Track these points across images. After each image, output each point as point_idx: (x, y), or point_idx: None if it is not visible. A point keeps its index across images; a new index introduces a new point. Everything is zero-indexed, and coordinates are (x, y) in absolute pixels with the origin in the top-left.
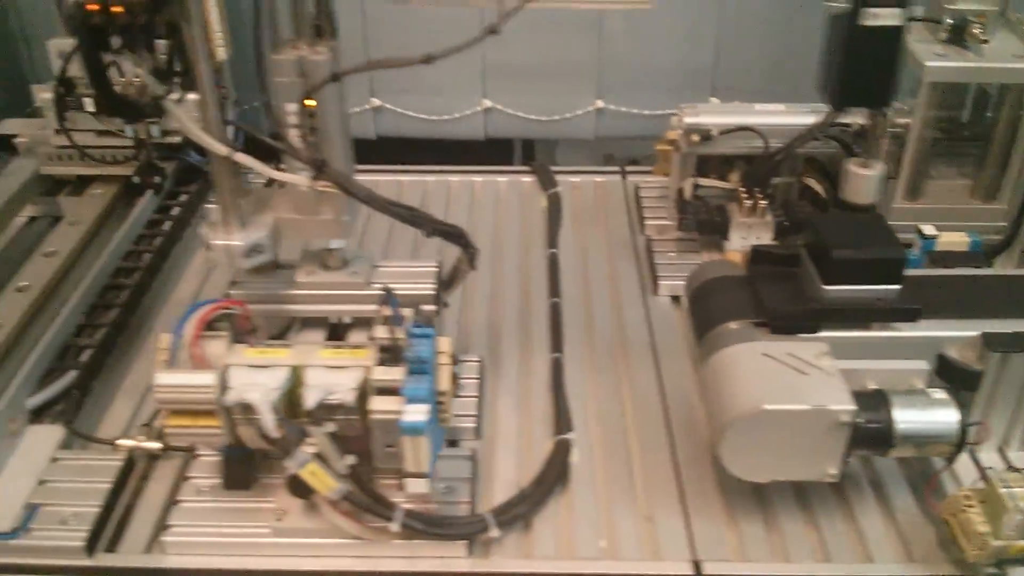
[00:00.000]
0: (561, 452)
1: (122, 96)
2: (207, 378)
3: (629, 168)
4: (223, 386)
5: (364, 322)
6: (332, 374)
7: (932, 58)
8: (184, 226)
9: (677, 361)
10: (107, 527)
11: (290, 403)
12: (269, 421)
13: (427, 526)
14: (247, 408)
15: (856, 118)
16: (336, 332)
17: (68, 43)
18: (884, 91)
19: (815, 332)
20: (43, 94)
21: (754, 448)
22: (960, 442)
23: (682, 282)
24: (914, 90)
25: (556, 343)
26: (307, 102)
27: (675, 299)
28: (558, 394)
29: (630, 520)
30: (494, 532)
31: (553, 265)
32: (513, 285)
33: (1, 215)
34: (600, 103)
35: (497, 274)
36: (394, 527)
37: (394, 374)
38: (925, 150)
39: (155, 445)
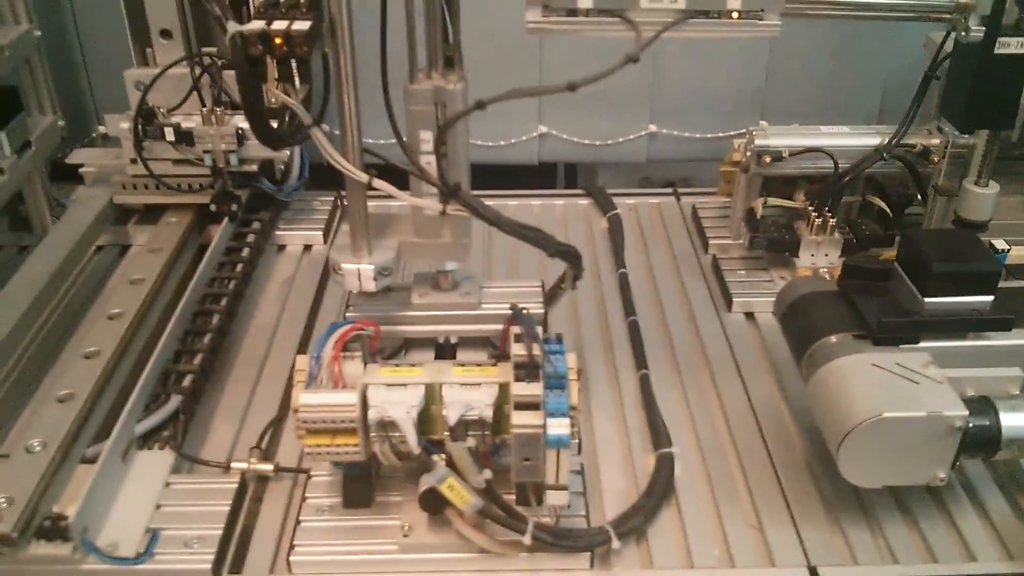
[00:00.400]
0: (666, 465)
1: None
2: (349, 397)
3: (682, 190)
4: (365, 404)
5: (471, 342)
6: (468, 391)
7: None
8: (260, 252)
9: (760, 375)
10: (229, 548)
11: (425, 420)
12: (412, 437)
13: (555, 538)
14: (388, 425)
15: (920, 139)
16: (442, 352)
17: (145, 73)
18: (1010, 114)
19: (916, 343)
20: (121, 124)
21: (870, 455)
22: None
23: (755, 299)
24: None
25: (640, 360)
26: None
27: (748, 315)
28: (651, 409)
29: (739, 529)
30: (616, 544)
31: (624, 284)
32: (589, 304)
33: (80, 243)
34: (653, 127)
35: (572, 294)
36: (526, 540)
37: (534, 389)
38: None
39: (267, 467)
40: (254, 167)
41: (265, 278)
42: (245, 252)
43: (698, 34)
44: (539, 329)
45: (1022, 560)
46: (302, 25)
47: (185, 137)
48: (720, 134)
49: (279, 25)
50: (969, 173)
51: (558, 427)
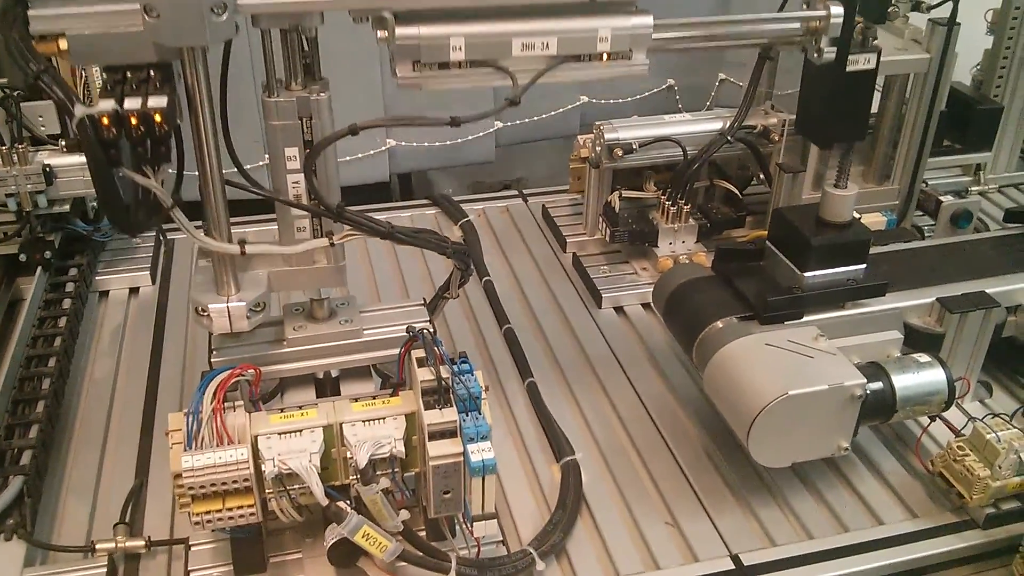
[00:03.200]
0: (573, 473)
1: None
2: (239, 453)
3: (527, 191)
4: (257, 459)
5: (354, 372)
6: (372, 428)
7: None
8: (83, 302)
9: (644, 369)
10: None
11: (325, 466)
12: (317, 488)
13: (480, 571)
14: (287, 478)
15: (758, 120)
16: (322, 389)
17: None
18: (863, 125)
19: (800, 318)
20: None
21: (778, 435)
22: (951, 398)
23: (622, 293)
24: None
25: (523, 368)
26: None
27: (618, 310)
28: (545, 418)
29: (656, 528)
30: (540, 565)
31: (492, 292)
32: (459, 318)
33: None
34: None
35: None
36: None
37: (448, 415)
38: None
39: (138, 543)
40: (66, 207)
41: (92, 329)
42: (67, 303)
43: (573, 76)
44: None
45: (926, 516)
46: (158, 101)
47: None
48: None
49: (132, 103)
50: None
51: (482, 452)
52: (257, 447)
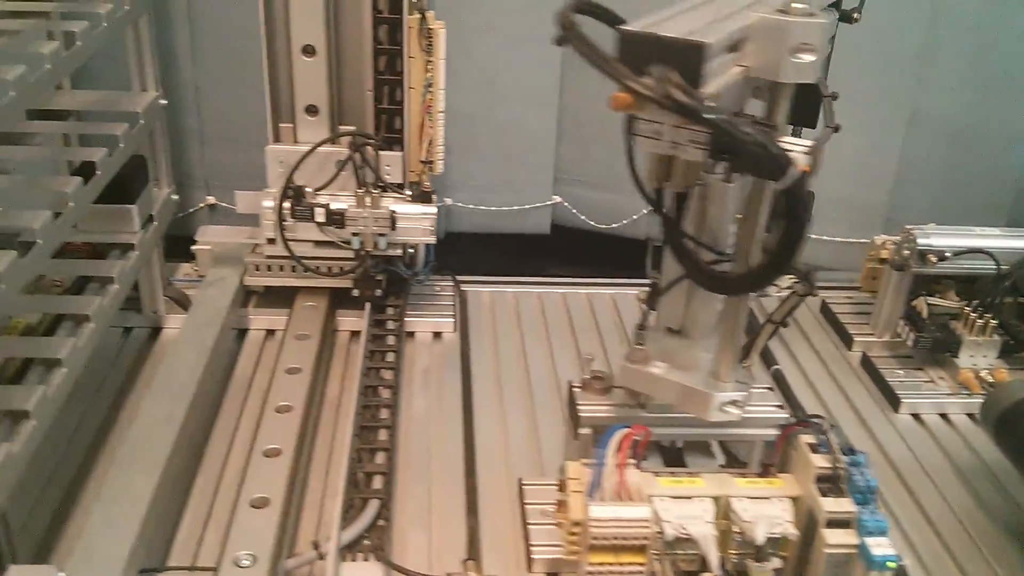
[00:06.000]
0: None
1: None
2: (642, 511)
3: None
4: (658, 519)
5: (696, 445)
6: (760, 506)
7: None
8: (401, 339)
9: (949, 480)
10: None
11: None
12: (713, 556)
13: None
14: (681, 543)
15: None
16: (668, 457)
17: (289, 151)
18: None
19: None
20: (264, 202)
21: None
22: None
23: (922, 400)
24: None
25: None
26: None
27: (915, 417)
28: None
29: None
30: None
31: (782, 381)
32: None
33: (223, 330)
34: None
35: None
36: None
37: (845, 505)
38: None
39: None
40: (398, 251)
41: (402, 366)
42: (391, 340)
43: None
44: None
45: None
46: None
47: (335, 219)
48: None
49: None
50: None
51: (882, 547)
52: (653, 507)
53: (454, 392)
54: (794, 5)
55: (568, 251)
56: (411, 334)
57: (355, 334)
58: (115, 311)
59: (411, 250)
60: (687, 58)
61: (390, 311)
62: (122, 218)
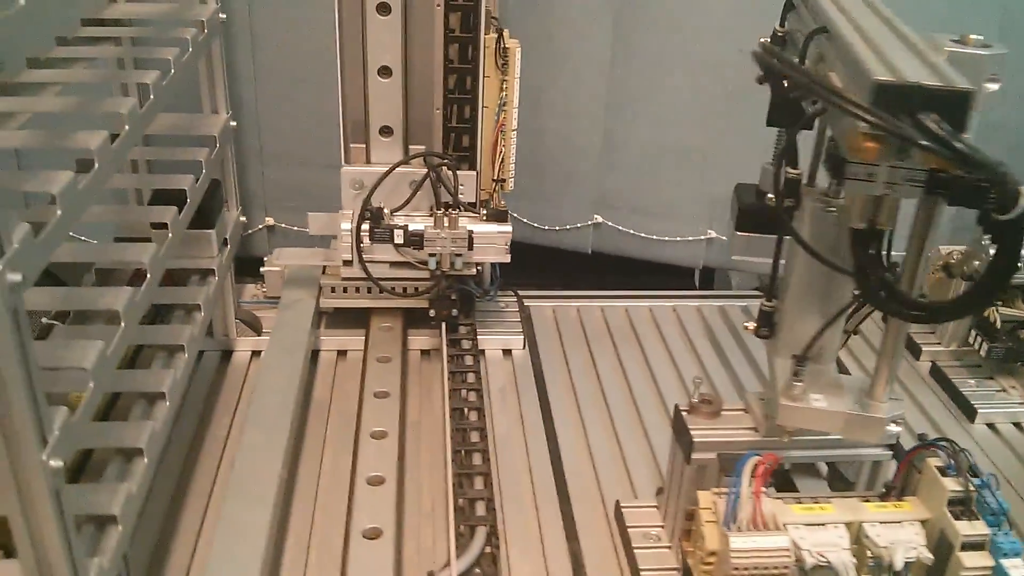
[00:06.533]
0: None
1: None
2: (782, 540)
3: None
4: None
5: (802, 467)
6: (891, 530)
7: None
8: (478, 359)
9: None
10: None
11: None
12: None
13: None
14: (820, 571)
15: None
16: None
17: (364, 172)
18: None
19: None
20: (342, 224)
21: None
22: None
23: (996, 410)
24: None
25: None
26: None
27: (990, 426)
28: None
29: None
30: None
31: None
32: None
33: (306, 353)
34: None
35: None
36: None
37: (979, 528)
38: None
39: None
40: (473, 270)
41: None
42: (468, 360)
43: None
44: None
45: None
46: None
47: (414, 240)
48: None
49: None
50: None
51: (1019, 568)
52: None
53: (533, 411)
54: (972, 37)
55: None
56: (481, 352)
57: (425, 353)
58: (202, 339)
59: (478, 268)
60: (954, 105)
61: (462, 330)
62: (203, 243)
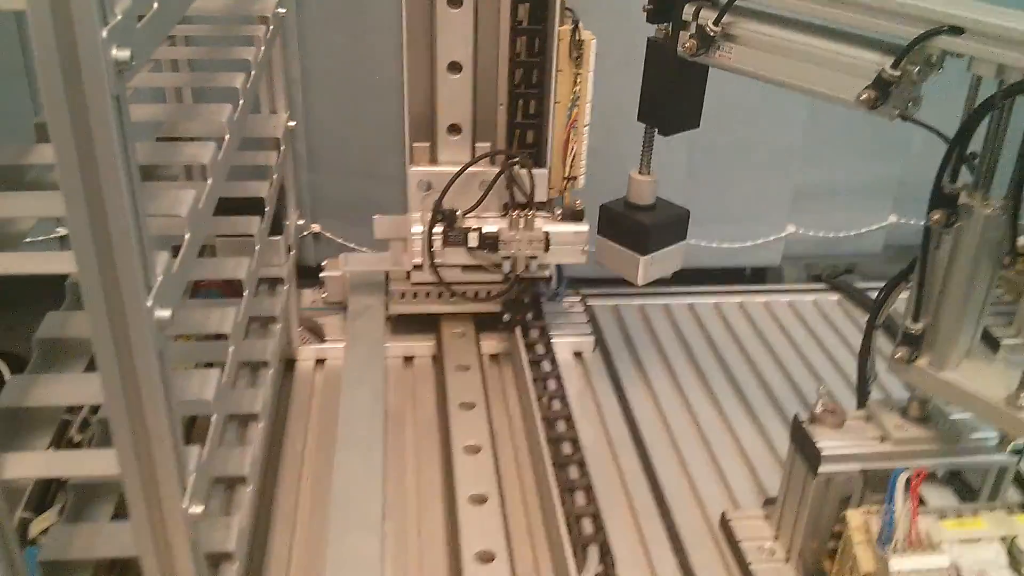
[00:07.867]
0: None
1: None
2: (942, 560)
3: None
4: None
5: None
6: None
7: None
8: (556, 365)
9: None
10: None
11: None
12: None
13: None
14: None
15: None
16: None
17: (432, 172)
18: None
19: None
20: (413, 227)
21: None
22: None
23: None
24: None
25: None
26: None
27: None
28: None
29: None
30: None
31: None
32: None
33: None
34: (893, 218)
35: None
36: None
37: None
38: None
39: None
40: (547, 273)
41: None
42: (546, 365)
43: None
44: None
45: None
46: None
47: (488, 243)
48: None
49: None
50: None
51: None
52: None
53: (615, 416)
54: None
55: None
56: None
57: (494, 357)
58: (281, 350)
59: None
60: None
61: (533, 334)
62: (272, 250)
